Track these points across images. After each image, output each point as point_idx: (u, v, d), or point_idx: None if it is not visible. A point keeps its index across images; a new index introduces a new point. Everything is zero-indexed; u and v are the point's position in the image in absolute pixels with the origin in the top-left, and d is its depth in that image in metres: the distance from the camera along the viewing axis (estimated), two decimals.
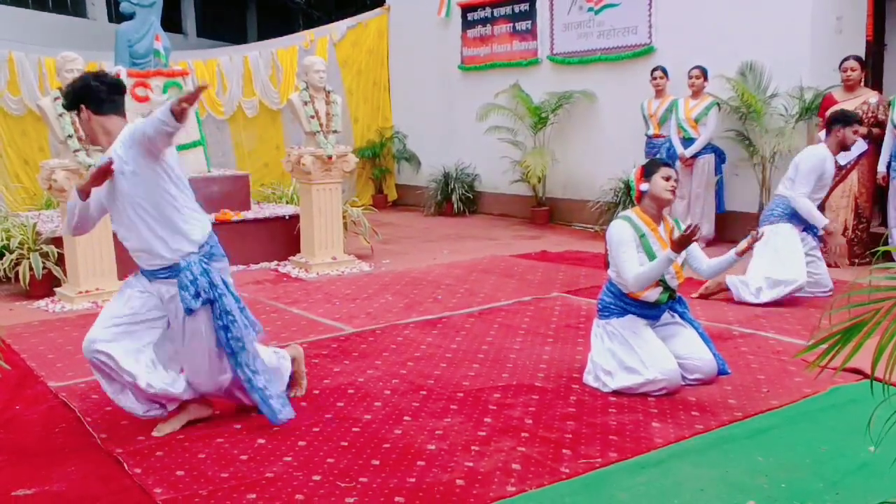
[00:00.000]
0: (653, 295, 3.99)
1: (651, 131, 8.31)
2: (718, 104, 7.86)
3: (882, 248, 2.15)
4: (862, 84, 7.08)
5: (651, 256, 3.92)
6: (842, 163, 6.88)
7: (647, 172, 4.02)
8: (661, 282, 3.97)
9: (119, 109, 3.50)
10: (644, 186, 3.99)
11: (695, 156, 7.89)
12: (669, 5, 8.62)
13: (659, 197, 3.98)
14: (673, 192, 3.98)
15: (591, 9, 9.40)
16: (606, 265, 4.12)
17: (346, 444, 3.40)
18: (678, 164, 7.94)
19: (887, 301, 1.81)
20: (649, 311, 4.06)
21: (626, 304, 4.03)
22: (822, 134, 5.99)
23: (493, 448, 3.33)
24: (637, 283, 3.92)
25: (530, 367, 4.41)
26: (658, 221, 4.03)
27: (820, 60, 7.58)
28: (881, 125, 6.87)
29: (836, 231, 6.71)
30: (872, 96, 6.98)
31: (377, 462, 3.21)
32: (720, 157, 7.99)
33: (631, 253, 3.93)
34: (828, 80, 7.44)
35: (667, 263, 3.86)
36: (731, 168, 8.08)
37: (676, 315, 4.15)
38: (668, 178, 3.96)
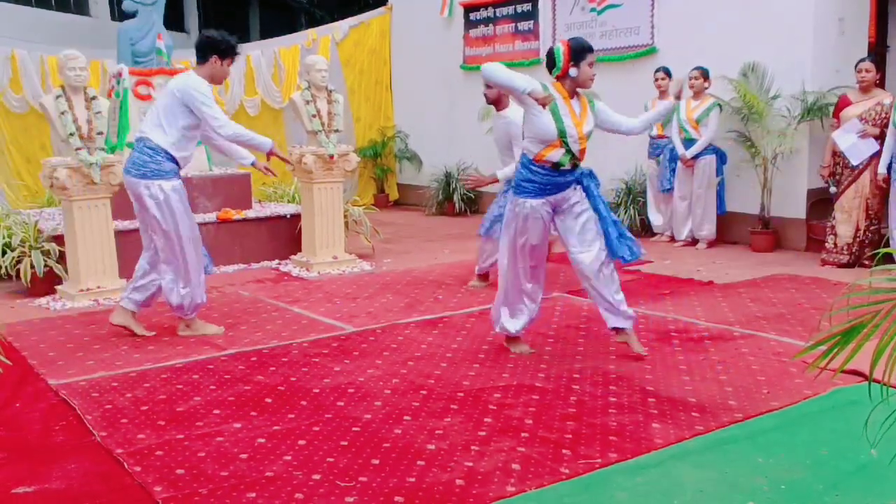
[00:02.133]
0: (556, 155, 4.23)
1: (654, 132, 8.29)
2: (720, 105, 7.85)
3: (882, 251, 2.15)
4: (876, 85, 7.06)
5: (559, 121, 4.17)
6: (854, 163, 6.87)
7: (575, 57, 4.23)
8: (564, 143, 4.20)
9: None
10: (573, 72, 4.26)
11: (696, 156, 7.89)
12: (672, 6, 8.61)
13: (583, 84, 4.31)
14: (592, 78, 4.30)
15: (593, 9, 9.39)
16: None
17: (346, 443, 3.40)
18: (679, 164, 7.95)
19: (887, 303, 1.81)
20: (557, 180, 4.30)
21: (532, 173, 4.27)
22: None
23: (493, 448, 3.33)
24: (495, 70, 4.17)
25: (530, 367, 4.41)
26: (572, 96, 4.30)
27: (822, 62, 7.57)
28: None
29: None
30: (886, 97, 6.94)
31: (377, 461, 3.22)
32: (721, 158, 7.97)
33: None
34: (830, 82, 7.43)
35: (525, 85, 4.07)
36: (732, 169, 8.06)
37: (582, 191, 4.38)
38: (591, 65, 4.28)
